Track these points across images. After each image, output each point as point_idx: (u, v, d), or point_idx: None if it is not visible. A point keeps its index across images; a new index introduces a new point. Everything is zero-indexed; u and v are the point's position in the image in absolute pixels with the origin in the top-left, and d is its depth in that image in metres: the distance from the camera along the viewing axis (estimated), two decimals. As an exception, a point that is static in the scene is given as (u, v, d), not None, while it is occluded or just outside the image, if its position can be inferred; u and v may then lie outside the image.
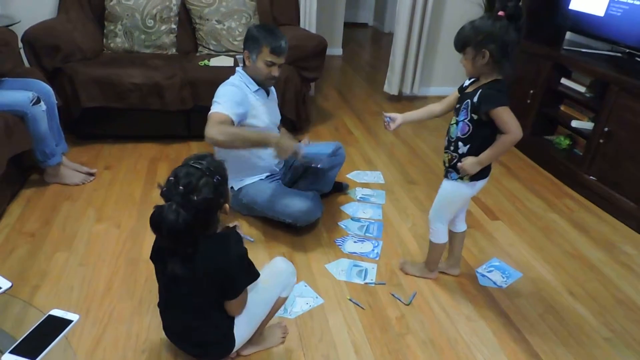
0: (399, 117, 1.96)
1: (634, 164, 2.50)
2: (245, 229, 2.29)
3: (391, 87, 4.27)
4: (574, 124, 2.95)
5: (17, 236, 2.13)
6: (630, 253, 2.34)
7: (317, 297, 1.91)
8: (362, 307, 1.87)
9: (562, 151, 3.13)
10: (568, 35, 3.45)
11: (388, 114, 1.97)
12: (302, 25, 3.80)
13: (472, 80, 1.74)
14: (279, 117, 2.44)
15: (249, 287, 1.42)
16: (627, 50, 2.89)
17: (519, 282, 2.09)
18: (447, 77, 4.39)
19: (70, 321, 1.22)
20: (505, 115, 1.61)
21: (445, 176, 1.85)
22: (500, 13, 1.57)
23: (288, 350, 1.65)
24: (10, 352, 1.13)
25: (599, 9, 2.90)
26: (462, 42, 1.63)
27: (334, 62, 5.51)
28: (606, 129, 2.65)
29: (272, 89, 2.38)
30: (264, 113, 2.23)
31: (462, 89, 1.78)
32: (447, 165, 1.82)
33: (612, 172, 2.65)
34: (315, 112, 3.85)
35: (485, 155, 1.68)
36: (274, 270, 1.54)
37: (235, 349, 1.50)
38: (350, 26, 6.84)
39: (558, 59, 3.08)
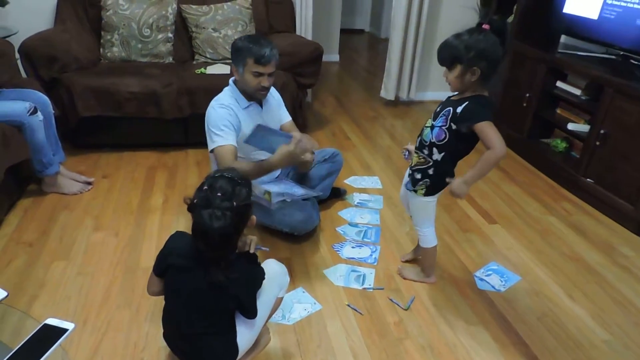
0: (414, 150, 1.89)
1: (630, 165, 2.50)
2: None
3: (388, 92, 4.29)
4: (570, 126, 2.96)
5: (15, 246, 2.13)
6: (628, 255, 2.34)
7: (315, 303, 1.90)
8: (360, 313, 1.87)
9: (559, 154, 3.14)
10: (563, 38, 3.47)
11: (406, 147, 1.91)
12: (298, 32, 3.81)
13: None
14: (277, 126, 2.30)
15: None
16: (622, 53, 2.90)
17: (517, 285, 2.08)
18: (443, 82, 4.21)
19: (65, 330, 1.21)
20: (489, 130, 1.57)
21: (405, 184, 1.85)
22: (485, 26, 1.54)
23: (286, 357, 1.65)
24: (6, 362, 1.12)
25: (592, 12, 2.92)
26: (452, 58, 1.59)
27: (331, 68, 5.53)
28: (602, 131, 2.65)
29: (271, 95, 2.23)
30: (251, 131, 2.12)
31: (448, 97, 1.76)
32: (412, 167, 1.80)
33: (609, 174, 2.65)
34: (312, 118, 3.86)
35: (470, 175, 1.63)
36: (269, 272, 1.54)
37: (238, 358, 1.49)
38: (347, 32, 6.86)
39: (553, 63, 3.10)
